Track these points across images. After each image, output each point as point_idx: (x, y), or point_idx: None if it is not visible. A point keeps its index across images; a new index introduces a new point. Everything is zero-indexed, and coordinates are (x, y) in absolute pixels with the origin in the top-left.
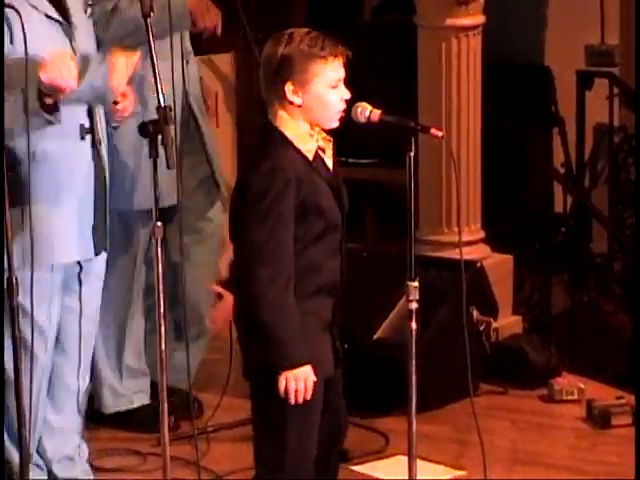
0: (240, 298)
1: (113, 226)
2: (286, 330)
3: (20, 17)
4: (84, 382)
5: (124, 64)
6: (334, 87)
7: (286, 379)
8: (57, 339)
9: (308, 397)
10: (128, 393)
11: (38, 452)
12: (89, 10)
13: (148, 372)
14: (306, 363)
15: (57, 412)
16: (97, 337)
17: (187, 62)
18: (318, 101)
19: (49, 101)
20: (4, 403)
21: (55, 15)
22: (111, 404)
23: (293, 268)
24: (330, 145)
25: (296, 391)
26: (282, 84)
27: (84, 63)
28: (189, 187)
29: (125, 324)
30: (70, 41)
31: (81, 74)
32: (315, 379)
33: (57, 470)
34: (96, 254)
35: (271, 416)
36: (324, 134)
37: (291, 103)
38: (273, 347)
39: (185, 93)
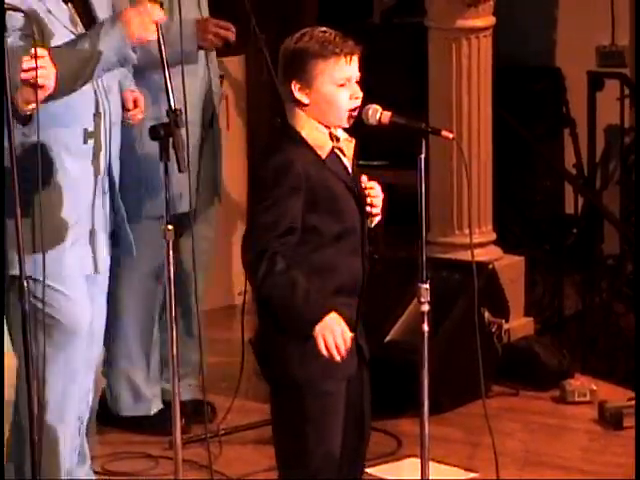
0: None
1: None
2: (293, 296)
3: (30, 21)
4: (92, 380)
5: (138, 14)
6: (342, 85)
7: (321, 336)
8: None
9: (348, 344)
10: (150, 398)
11: None
12: None
13: (160, 377)
14: (328, 312)
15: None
16: (127, 338)
17: (210, 62)
18: (325, 100)
19: (27, 108)
20: (4, 403)
21: (79, 32)
22: (131, 407)
23: (287, 248)
24: (351, 146)
25: (336, 344)
26: (289, 82)
27: (95, 31)
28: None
29: (152, 327)
30: None
31: (93, 43)
32: (351, 334)
33: None
34: (97, 271)
35: (291, 418)
36: (345, 135)
37: (299, 101)
38: (291, 317)
39: (209, 91)
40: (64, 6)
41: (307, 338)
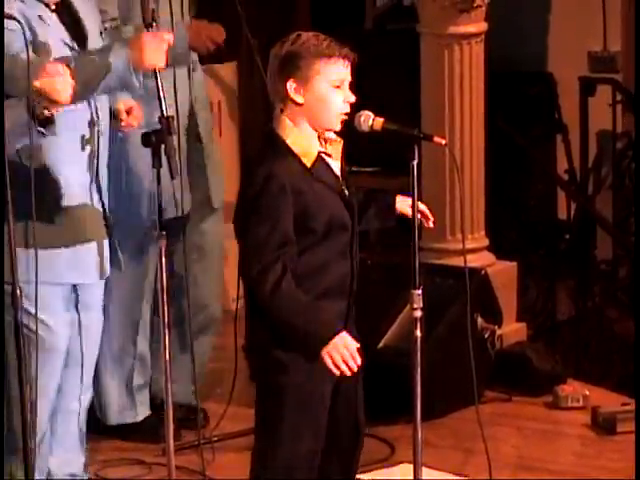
0: (250, 296)
1: (124, 241)
2: (298, 313)
3: (22, 28)
4: (87, 396)
5: (153, 41)
6: (337, 87)
7: (328, 355)
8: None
9: (358, 361)
10: (133, 406)
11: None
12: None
13: (148, 384)
14: (337, 333)
15: (61, 428)
16: (104, 351)
17: (193, 70)
18: (320, 100)
19: (46, 113)
20: (4, 403)
21: (70, 42)
22: (116, 417)
23: (290, 264)
24: (339, 147)
25: (344, 361)
26: (285, 81)
27: (104, 49)
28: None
29: (134, 339)
30: None
31: (102, 62)
32: (357, 345)
33: None
34: (101, 277)
35: (269, 412)
36: (333, 136)
37: (293, 101)
38: (300, 337)
39: (191, 101)
40: (53, 15)
41: (314, 356)
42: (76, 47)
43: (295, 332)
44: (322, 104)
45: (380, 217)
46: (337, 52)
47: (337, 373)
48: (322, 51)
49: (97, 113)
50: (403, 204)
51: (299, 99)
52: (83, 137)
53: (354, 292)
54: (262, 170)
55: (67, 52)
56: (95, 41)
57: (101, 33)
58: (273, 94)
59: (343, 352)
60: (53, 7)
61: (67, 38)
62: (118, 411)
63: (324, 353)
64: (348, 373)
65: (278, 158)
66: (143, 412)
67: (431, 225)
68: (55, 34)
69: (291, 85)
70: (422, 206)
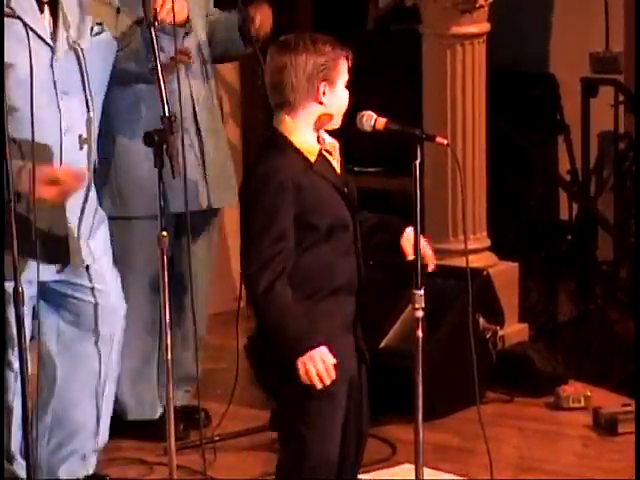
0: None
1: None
2: (284, 317)
3: (25, 25)
4: (112, 385)
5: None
6: (346, 87)
7: (303, 364)
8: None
9: (332, 376)
10: (154, 401)
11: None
12: (96, 28)
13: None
14: (318, 344)
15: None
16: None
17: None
18: (339, 100)
19: None
20: (4, 405)
21: (43, 35)
22: (135, 411)
23: (287, 265)
24: (336, 147)
25: (318, 374)
26: (318, 83)
27: None
28: None
29: (155, 331)
30: (51, 64)
31: None
32: (334, 361)
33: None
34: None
35: (292, 417)
36: (329, 139)
37: (319, 103)
38: (281, 340)
39: (192, 103)
40: (39, 15)
41: (289, 361)
42: (50, 42)
43: (276, 335)
44: (340, 104)
45: (384, 250)
46: (346, 52)
47: (305, 382)
48: (342, 53)
49: (92, 110)
50: (407, 243)
51: (325, 100)
52: (81, 137)
53: (362, 289)
54: (261, 168)
55: (44, 52)
56: (83, 40)
57: (92, 29)
58: (270, 98)
59: (319, 365)
60: None
61: (49, 37)
62: (135, 406)
63: (299, 362)
64: (319, 386)
65: (280, 153)
66: (160, 409)
67: (431, 269)
68: (40, 35)
69: (323, 87)
70: (427, 248)
